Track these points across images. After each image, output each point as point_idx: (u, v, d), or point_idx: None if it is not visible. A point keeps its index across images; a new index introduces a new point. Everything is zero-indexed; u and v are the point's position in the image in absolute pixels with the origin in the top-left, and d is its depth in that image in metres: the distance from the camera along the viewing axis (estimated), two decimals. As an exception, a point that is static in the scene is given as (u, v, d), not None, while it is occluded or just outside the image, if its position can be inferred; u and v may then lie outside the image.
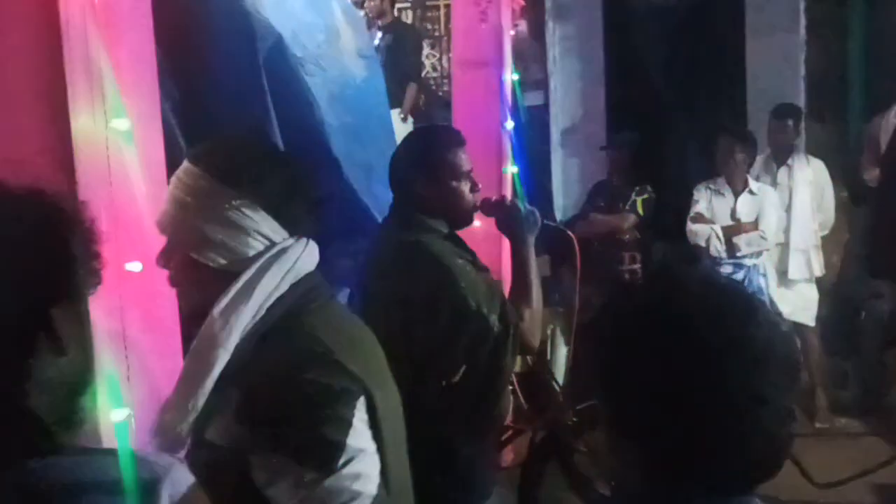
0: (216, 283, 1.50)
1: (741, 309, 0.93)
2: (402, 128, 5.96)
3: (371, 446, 1.48)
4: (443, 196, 2.34)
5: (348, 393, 1.45)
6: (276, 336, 1.49)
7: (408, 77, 6.44)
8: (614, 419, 0.98)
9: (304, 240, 1.58)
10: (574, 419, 3.68)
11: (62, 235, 1.08)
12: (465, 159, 2.39)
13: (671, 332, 0.92)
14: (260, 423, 1.43)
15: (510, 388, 3.52)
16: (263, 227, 1.51)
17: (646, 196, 5.20)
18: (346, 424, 1.43)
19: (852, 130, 6.35)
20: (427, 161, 2.37)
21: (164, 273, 2.01)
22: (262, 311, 1.49)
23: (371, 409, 1.49)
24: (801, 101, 5.97)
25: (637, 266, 5.17)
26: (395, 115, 6.17)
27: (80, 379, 1.10)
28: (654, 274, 1.17)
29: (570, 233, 2.83)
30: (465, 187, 2.38)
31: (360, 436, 1.45)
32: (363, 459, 1.44)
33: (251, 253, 1.51)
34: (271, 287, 1.50)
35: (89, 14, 1.74)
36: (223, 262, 1.50)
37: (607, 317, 1.02)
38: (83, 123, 1.70)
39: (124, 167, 1.79)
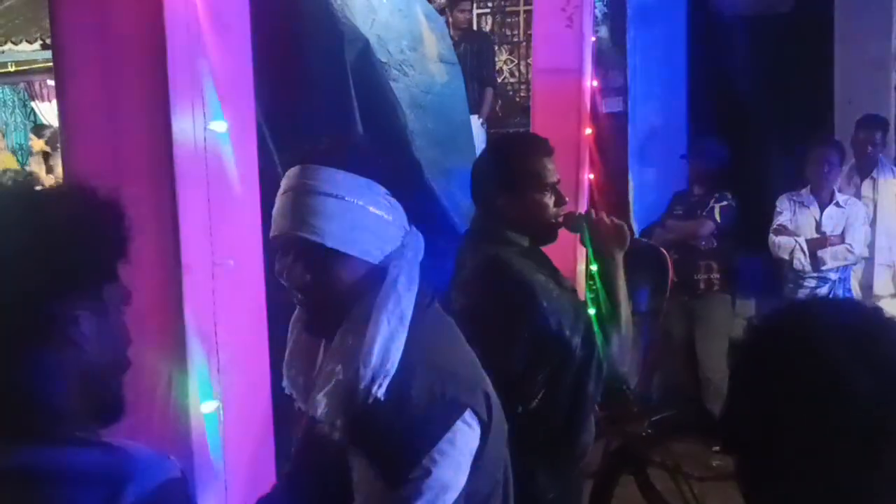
0: (359, 279, 1.45)
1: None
2: (481, 133, 6.00)
3: (463, 468, 1.40)
4: (525, 209, 2.20)
5: (454, 403, 1.41)
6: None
7: (485, 83, 6.48)
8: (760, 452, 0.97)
9: (415, 229, 1.55)
10: (648, 430, 3.63)
11: (88, 228, 1.07)
12: (550, 170, 2.23)
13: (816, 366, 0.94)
14: (359, 418, 1.40)
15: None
16: (398, 215, 1.49)
17: (725, 203, 5.06)
18: (438, 435, 1.37)
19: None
20: (509, 171, 2.22)
21: (253, 267, 2.07)
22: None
23: (483, 426, 1.44)
24: (891, 112, 5.78)
25: (715, 275, 5.05)
26: (474, 120, 6.22)
27: (98, 372, 1.10)
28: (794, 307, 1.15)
29: (663, 250, 2.66)
30: (550, 200, 2.23)
31: (451, 452, 1.38)
32: (444, 492, 1.38)
33: (397, 243, 1.48)
34: (417, 274, 1.48)
35: (192, 18, 1.80)
36: (377, 253, 1.46)
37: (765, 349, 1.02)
38: (183, 125, 1.76)
39: (220, 167, 1.84)
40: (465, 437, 1.40)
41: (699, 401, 4.82)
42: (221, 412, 1.86)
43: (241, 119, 1.93)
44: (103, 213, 1.10)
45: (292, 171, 1.49)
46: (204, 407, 1.85)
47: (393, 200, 1.49)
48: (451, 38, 6.64)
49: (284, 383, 1.60)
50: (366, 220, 1.45)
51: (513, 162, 2.24)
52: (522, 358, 2.08)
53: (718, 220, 5.02)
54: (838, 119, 6.05)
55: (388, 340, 1.41)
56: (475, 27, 7.01)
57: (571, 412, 2.16)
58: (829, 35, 6.18)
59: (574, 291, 2.33)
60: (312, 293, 1.49)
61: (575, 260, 3.41)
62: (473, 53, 6.54)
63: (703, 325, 5.01)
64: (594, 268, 3.75)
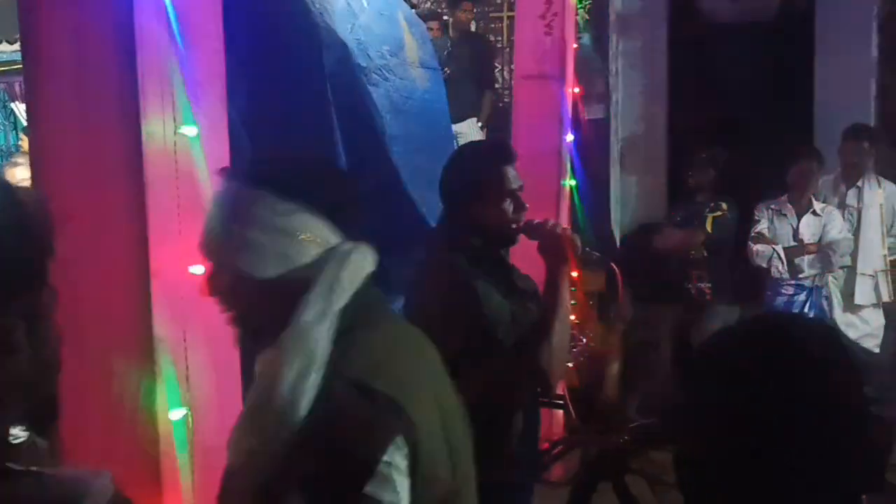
0: (275, 299, 1.38)
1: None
2: (480, 136, 6.02)
3: (402, 495, 1.34)
4: (484, 213, 2.28)
5: (386, 429, 1.33)
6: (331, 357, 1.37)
7: (485, 86, 6.48)
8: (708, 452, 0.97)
9: (362, 244, 1.46)
10: (626, 438, 3.63)
11: (21, 230, 1.01)
12: (511, 177, 2.30)
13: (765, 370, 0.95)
14: (293, 454, 1.31)
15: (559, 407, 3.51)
16: (317, 230, 1.41)
17: (718, 214, 5.03)
18: (370, 468, 1.30)
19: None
20: (470, 176, 2.31)
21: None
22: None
23: (413, 448, 1.36)
24: (871, 121, 5.82)
25: (706, 285, 5.05)
26: (473, 123, 6.23)
27: (34, 378, 1.04)
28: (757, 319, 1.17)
29: (613, 265, 2.71)
30: (509, 206, 2.29)
31: (386, 481, 1.31)
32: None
33: (308, 259, 1.40)
34: (343, 297, 1.40)
35: (162, 21, 1.79)
36: (280, 271, 1.39)
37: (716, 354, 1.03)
38: (153, 128, 1.74)
39: (191, 171, 1.83)
40: (398, 458, 1.33)
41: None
42: (191, 419, 1.84)
43: (212, 123, 1.91)
44: (32, 215, 1.06)
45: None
46: (172, 414, 1.83)
47: (318, 222, 1.41)
48: (450, 38, 6.66)
49: None
50: (283, 246, 1.38)
51: (474, 169, 2.32)
52: (456, 357, 2.06)
53: (710, 231, 5.02)
54: (818, 128, 6.09)
55: (294, 383, 1.32)
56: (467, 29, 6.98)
57: (500, 413, 2.24)
58: (811, 44, 6.23)
59: (531, 293, 2.37)
60: (229, 314, 1.45)
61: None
62: (472, 56, 6.53)
63: (695, 336, 5.02)
64: (574, 274, 3.77)
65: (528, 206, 2.32)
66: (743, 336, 1.04)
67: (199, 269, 1.88)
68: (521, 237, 2.36)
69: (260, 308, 1.41)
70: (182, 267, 1.80)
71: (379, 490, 1.31)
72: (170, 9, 1.80)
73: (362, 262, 1.45)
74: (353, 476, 1.30)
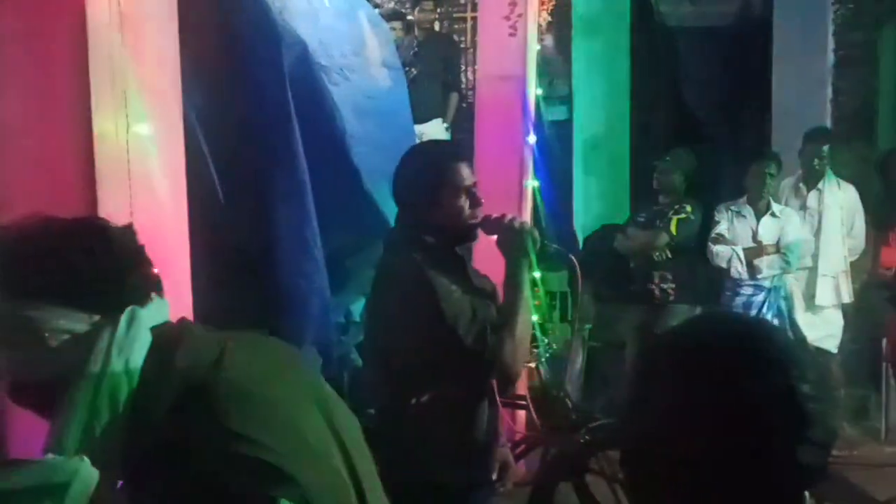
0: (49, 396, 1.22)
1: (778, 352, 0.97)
2: (445, 136, 6.00)
3: None
4: (440, 211, 2.27)
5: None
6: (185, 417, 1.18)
7: (450, 87, 6.47)
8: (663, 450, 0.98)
9: (126, 311, 1.24)
10: (587, 437, 3.65)
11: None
12: (466, 174, 2.31)
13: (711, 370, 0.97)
14: None
15: (521, 407, 3.53)
16: (55, 322, 1.21)
17: (682, 216, 5.05)
18: None
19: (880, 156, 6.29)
20: (423, 175, 2.30)
21: (179, 274, 2.02)
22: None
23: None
24: (827, 125, 5.92)
25: (669, 286, 5.08)
26: (438, 124, 6.21)
27: None
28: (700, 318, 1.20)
29: (571, 256, 2.71)
30: (465, 203, 2.29)
31: None
32: None
33: (51, 355, 1.21)
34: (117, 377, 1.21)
35: (115, 19, 1.76)
36: (30, 376, 1.23)
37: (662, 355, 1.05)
38: (105, 127, 1.71)
39: (145, 172, 1.80)
40: None
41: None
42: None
43: (167, 122, 1.88)
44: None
45: None
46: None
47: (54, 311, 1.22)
48: (416, 38, 6.64)
49: None
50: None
51: (427, 166, 2.32)
52: (419, 356, 2.17)
53: (674, 233, 5.06)
54: (775, 131, 6.19)
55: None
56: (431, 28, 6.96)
57: (462, 407, 2.25)
58: (768, 49, 6.33)
59: (492, 293, 2.38)
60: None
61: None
62: (439, 57, 6.51)
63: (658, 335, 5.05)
64: (537, 274, 3.76)
65: (483, 201, 2.33)
66: (685, 337, 1.05)
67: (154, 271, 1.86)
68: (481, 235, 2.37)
69: (43, 409, 1.24)
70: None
71: None
72: (123, 5, 1.77)
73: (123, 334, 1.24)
74: None
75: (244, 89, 2.68)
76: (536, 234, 2.36)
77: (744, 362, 0.96)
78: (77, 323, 1.22)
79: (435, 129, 6.18)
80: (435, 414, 2.20)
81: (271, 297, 2.82)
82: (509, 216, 2.36)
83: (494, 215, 2.36)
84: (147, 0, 1.84)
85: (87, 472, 1.11)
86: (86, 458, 1.14)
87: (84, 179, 1.69)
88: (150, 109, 1.79)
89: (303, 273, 2.89)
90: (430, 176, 2.29)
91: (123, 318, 1.23)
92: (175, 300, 1.95)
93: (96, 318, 1.23)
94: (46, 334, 1.21)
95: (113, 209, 1.73)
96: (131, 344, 1.23)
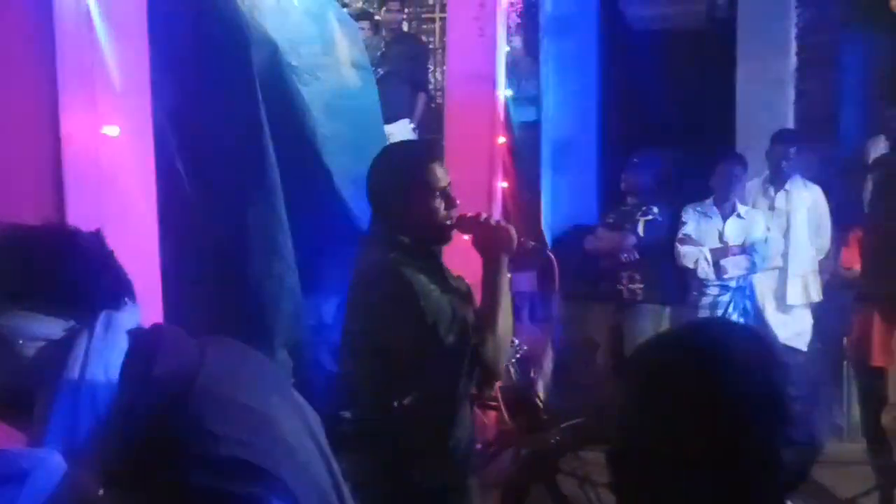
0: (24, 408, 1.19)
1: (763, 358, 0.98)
2: (412, 137, 5.97)
3: None
4: (415, 212, 2.28)
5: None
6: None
7: (418, 87, 6.45)
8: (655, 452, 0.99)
9: (101, 315, 1.22)
10: (558, 437, 3.67)
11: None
12: (440, 174, 2.31)
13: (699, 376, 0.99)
14: None
15: (495, 408, 3.53)
16: (28, 329, 1.19)
17: (650, 218, 5.13)
18: None
19: (841, 157, 6.40)
20: (399, 177, 2.31)
21: (149, 277, 1.99)
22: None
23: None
24: (790, 126, 6.02)
25: (637, 286, 5.13)
26: (405, 125, 6.18)
27: None
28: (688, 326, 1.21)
29: (550, 254, 2.73)
30: (440, 204, 2.30)
31: None
32: None
33: (25, 364, 1.19)
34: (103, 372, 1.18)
35: (83, 18, 1.72)
36: (4, 388, 1.20)
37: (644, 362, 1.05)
38: (74, 128, 1.68)
39: (114, 173, 1.77)
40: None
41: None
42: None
43: (137, 123, 1.85)
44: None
45: None
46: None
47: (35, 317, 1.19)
48: (384, 39, 6.61)
49: None
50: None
51: (402, 168, 2.32)
52: (400, 358, 2.17)
53: (641, 235, 5.11)
54: (740, 132, 6.27)
55: None
56: (399, 29, 6.95)
57: (444, 408, 2.23)
58: (733, 52, 6.41)
59: (467, 294, 2.38)
60: None
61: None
62: (407, 57, 6.49)
63: (628, 335, 5.09)
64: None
65: (459, 201, 2.32)
66: (670, 343, 1.07)
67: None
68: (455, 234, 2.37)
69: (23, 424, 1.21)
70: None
71: None
72: (92, 4, 1.74)
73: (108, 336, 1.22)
74: None
75: (214, 90, 2.64)
76: (514, 231, 2.35)
77: (728, 367, 0.97)
78: (52, 328, 1.19)
79: (402, 130, 6.17)
80: (419, 416, 2.18)
81: (242, 299, 2.78)
82: (485, 215, 2.36)
83: (470, 214, 2.35)
84: (116, -1, 1.80)
85: (55, 463, 1.08)
86: (56, 452, 1.12)
87: (51, 181, 1.66)
88: (120, 111, 1.76)
89: (274, 274, 2.86)
90: (405, 177, 2.28)
91: (99, 323, 1.21)
92: (145, 304, 1.93)
93: (71, 323, 1.20)
94: (20, 342, 1.18)
95: (81, 213, 1.69)
96: (110, 349, 1.21)
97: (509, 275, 3.15)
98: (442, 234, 2.33)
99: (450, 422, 2.28)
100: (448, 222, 2.31)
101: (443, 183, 2.30)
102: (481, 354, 2.22)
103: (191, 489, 1.12)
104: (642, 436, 0.99)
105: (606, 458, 1.06)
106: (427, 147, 2.51)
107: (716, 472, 0.95)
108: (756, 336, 1.07)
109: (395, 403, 2.17)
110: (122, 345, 1.22)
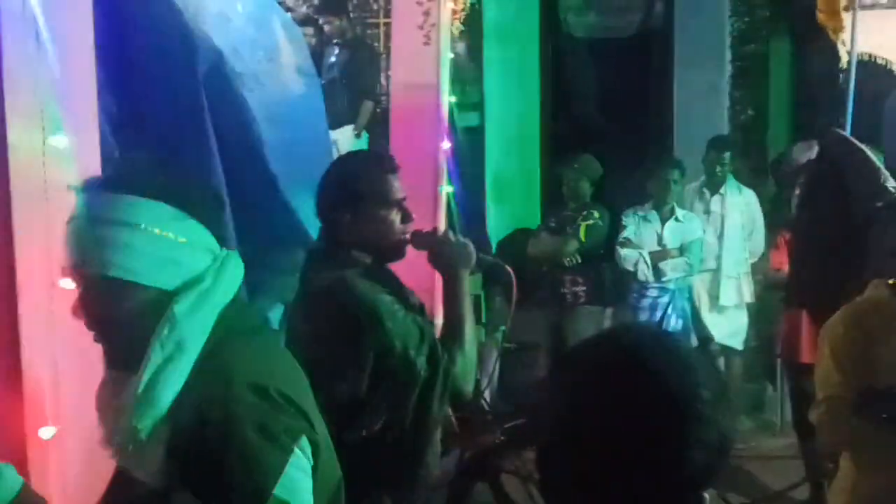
0: (151, 308, 1.35)
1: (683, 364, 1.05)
2: (355, 144, 5.98)
3: (308, 497, 1.37)
4: (369, 226, 2.14)
5: (290, 430, 1.36)
6: (212, 364, 1.35)
7: (363, 94, 6.44)
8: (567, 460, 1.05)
9: (233, 251, 1.45)
10: (501, 438, 3.73)
11: None
12: (396, 187, 2.18)
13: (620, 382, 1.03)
14: (189, 461, 1.30)
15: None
16: (198, 238, 1.39)
17: (591, 222, 5.20)
18: (278, 471, 1.32)
19: (772, 161, 6.62)
20: (351, 188, 2.16)
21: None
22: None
23: (315, 447, 1.40)
24: (725, 132, 6.22)
25: (580, 289, 5.23)
26: (349, 131, 6.18)
27: None
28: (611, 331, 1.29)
29: (507, 268, 2.58)
30: (396, 217, 2.17)
31: (293, 485, 1.34)
32: None
33: (198, 267, 1.38)
34: (222, 299, 1.38)
35: (29, 28, 1.73)
36: (167, 278, 1.35)
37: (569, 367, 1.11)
38: (20, 138, 1.68)
39: (62, 183, 1.77)
40: (303, 461, 1.38)
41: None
42: (60, 437, 1.79)
43: (83, 133, 1.86)
44: None
45: (76, 200, 1.40)
46: (42, 432, 1.77)
47: (192, 223, 1.38)
48: (336, 45, 6.59)
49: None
50: (149, 244, 1.34)
51: (355, 180, 2.19)
52: (365, 381, 2.04)
53: (583, 239, 5.20)
54: (677, 138, 6.45)
55: (157, 370, 1.31)
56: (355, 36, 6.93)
57: (416, 433, 2.12)
58: (670, 59, 6.59)
59: (422, 309, 2.29)
60: (102, 328, 1.40)
61: (433, 278, 3.43)
62: (353, 63, 6.46)
63: (571, 336, 5.17)
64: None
65: (414, 216, 2.22)
66: (592, 348, 1.13)
67: (67, 283, 1.83)
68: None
69: (141, 322, 1.35)
70: (50, 282, 1.75)
71: (288, 493, 1.33)
72: (37, 13, 1.74)
73: (237, 268, 1.45)
74: (262, 481, 1.31)
75: (159, 98, 2.65)
76: (472, 247, 2.26)
77: (643, 372, 1.04)
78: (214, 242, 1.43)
79: (346, 136, 6.18)
80: (390, 443, 2.06)
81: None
82: (441, 231, 2.29)
83: (426, 230, 2.27)
84: (62, 8, 1.81)
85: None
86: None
87: (-2, 192, 1.66)
88: (66, 120, 1.76)
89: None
90: (359, 188, 2.15)
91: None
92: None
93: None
94: None
95: (28, 223, 1.70)
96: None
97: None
98: (397, 250, 2.21)
99: (423, 447, 2.17)
100: (404, 237, 2.20)
101: (398, 195, 2.19)
102: (451, 373, 2.11)
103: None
104: (564, 436, 1.05)
105: (536, 459, 1.11)
106: (382, 158, 2.36)
107: (632, 469, 1.01)
108: (672, 340, 1.13)
109: (363, 432, 2.04)
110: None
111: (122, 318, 1.37)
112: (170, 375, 1.31)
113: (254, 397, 1.34)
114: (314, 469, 1.39)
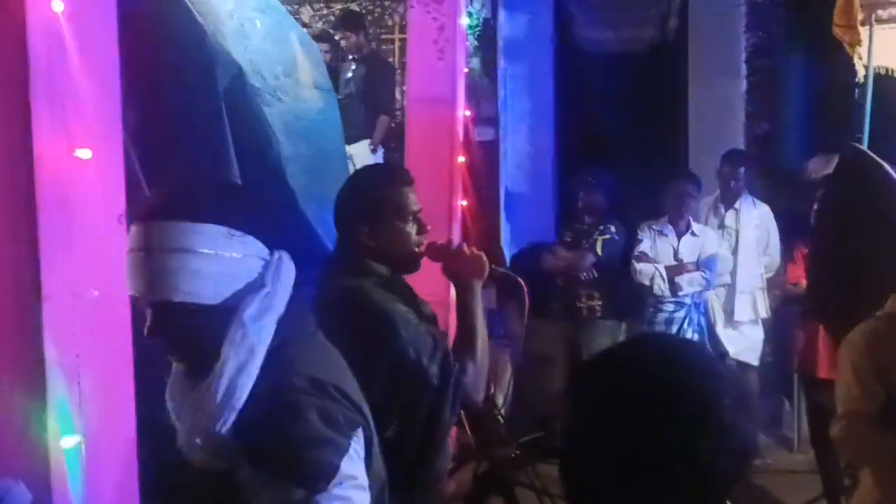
0: (220, 322, 1.45)
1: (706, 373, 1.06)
2: (371, 159, 6.01)
3: (363, 478, 1.47)
4: (386, 238, 2.20)
5: (349, 420, 1.47)
6: (274, 361, 1.46)
7: (379, 109, 6.47)
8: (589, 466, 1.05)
9: (283, 252, 1.57)
10: (517, 452, 3.74)
11: None
12: (412, 199, 2.25)
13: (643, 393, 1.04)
14: (256, 442, 1.41)
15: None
16: (253, 246, 1.49)
17: (607, 237, 5.21)
18: (343, 449, 1.43)
19: (789, 176, 6.59)
20: (370, 201, 2.23)
21: (118, 297, 2.02)
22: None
23: (368, 444, 1.51)
24: (741, 146, 6.20)
25: (596, 303, 5.23)
26: (366, 145, 6.21)
27: None
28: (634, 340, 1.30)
29: (520, 280, 2.64)
30: (412, 229, 2.23)
31: (354, 464, 1.45)
32: (354, 486, 1.44)
33: (252, 275, 1.48)
34: (282, 301, 1.49)
35: (56, 43, 1.76)
36: (229, 293, 1.46)
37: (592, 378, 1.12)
38: (46, 150, 1.71)
39: (85, 195, 1.80)
40: (361, 449, 1.48)
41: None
42: (83, 447, 1.81)
43: (107, 146, 1.89)
44: None
45: (133, 230, 1.49)
46: (64, 441, 1.79)
47: (242, 236, 1.48)
48: (352, 61, 6.64)
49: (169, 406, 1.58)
50: (207, 266, 1.44)
51: (373, 192, 2.26)
52: (379, 388, 2.04)
53: (600, 254, 5.20)
54: (692, 152, 6.44)
55: (234, 375, 1.42)
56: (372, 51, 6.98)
57: (427, 439, 2.16)
58: (684, 74, 6.59)
59: (435, 320, 2.34)
60: (177, 346, 1.51)
61: (447, 289, 3.45)
62: (369, 78, 6.49)
63: (586, 350, 5.16)
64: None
65: (429, 228, 2.28)
66: (613, 357, 1.13)
67: (90, 294, 1.86)
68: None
69: (211, 335, 1.45)
70: (74, 291, 1.77)
71: (353, 468, 1.44)
72: (64, 27, 1.78)
73: (290, 270, 1.56)
74: (330, 452, 1.41)
75: (179, 112, 2.68)
76: (485, 259, 2.31)
77: (666, 381, 1.04)
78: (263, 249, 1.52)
79: (362, 151, 6.21)
80: (400, 450, 2.07)
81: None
82: (456, 243, 2.34)
83: (440, 242, 2.32)
84: (88, 22, 1.84)
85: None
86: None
87: (24, 202, 1.69)
88: (92, 134, 1.79)
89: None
90: (377, 200, 2.22)
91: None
92: (114, 324, 1.96)
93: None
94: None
95: (52, 233, 1.73)
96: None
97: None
98: (413, 261, 2.27)
99: (433, 454, 2.21)
100: (419, 248, 2.26)
101: (414, 207, 2.25)
102: (462, 382, 2.15)
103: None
104: (589, 444, 1.05)
105: (560, 469, 1.11)
106: (399, 171, 2.42)
107: (656, 478, 1.01)
108: (694, 349, 1.14)
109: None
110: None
111: (191, 335, 1.48)
112: (246, 380, 1.43)
113: (313, 390, 1.44)
114: (367, 464, 1.49)
